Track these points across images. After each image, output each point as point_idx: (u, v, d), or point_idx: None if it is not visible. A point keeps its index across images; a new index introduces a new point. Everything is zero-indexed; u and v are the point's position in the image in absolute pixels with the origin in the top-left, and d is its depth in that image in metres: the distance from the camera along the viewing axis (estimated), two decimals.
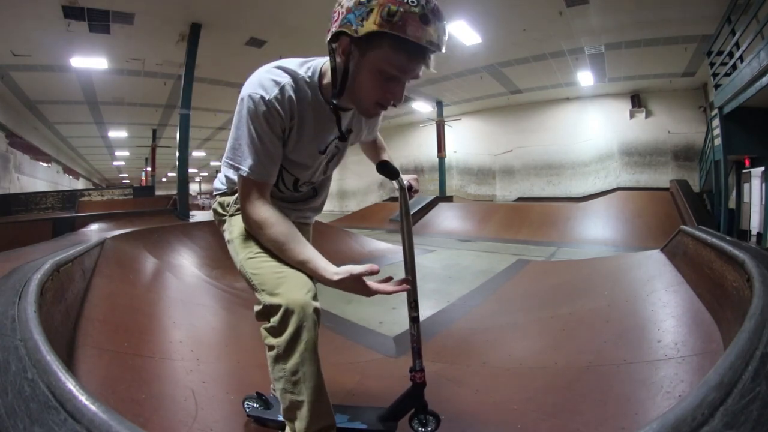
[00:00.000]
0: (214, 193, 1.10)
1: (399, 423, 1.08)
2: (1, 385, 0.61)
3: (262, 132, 0.82)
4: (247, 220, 0.88)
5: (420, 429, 1.06)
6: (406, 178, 1.16)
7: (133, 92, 10.28)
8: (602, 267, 3.29)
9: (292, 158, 0.93)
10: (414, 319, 1.07)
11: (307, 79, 0.86)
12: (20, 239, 4.35)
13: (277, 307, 0.81)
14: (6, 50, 7.35)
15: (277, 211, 0.87)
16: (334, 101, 0.86)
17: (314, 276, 0.86)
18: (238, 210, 0.98)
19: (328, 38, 0.80)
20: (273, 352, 0.83)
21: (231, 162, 0.87)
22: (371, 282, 0.83)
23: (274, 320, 0.82)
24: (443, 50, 0.78)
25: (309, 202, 1.12)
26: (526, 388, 1.44)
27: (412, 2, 0.71)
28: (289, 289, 0.82)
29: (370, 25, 0.71)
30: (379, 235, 8.45)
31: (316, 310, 0.82)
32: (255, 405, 1.16)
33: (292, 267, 0.87)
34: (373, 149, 1.28)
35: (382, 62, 0.76)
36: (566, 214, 8.55)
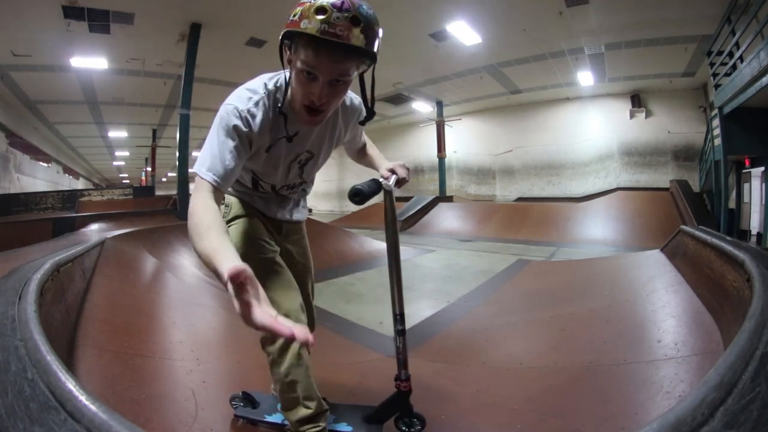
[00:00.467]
0: None
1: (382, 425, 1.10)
2: (1, 385, 0.61)
3: (228, 141, 0.84)
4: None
5: (405, 429, 1.09)
6: (389, 166, 1.11)
7: (133, 92, 10.28)
8: (602, 267, 3.29)
9: (258, 168, 0.99)
10: (399, 332, 1.08)
11: (273, 91, 0.91)
12: (20, 239, 4.35)
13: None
14: (6, 50, 7.35)
15: (211, 204, 0.79)
16: (280, 106, 0.90)
17: (214, 271, 0.67)
18: (230, 221, 1.07)
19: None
20: (269, 358, 0.96)
21: (198, 163, 0.86)
22: (258, 310, 0.55)
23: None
24: (364, 44, 0.75)
25: (296, 201, 1.19)
26: (526, 388, 1.44)
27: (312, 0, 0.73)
28: (284, 299, 0.93)
29: (284, 29, 0.77)
30: (379, 235, 8.44)
31: (302, 320, 0.95)
32: (241, 404, 1.18)
33: (282, 282, 0.97)
34: (366, 158, 1.26)
35: (298, 60, 0.78)
36: (566, 214, 8.55)
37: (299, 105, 0.85)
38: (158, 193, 15.54)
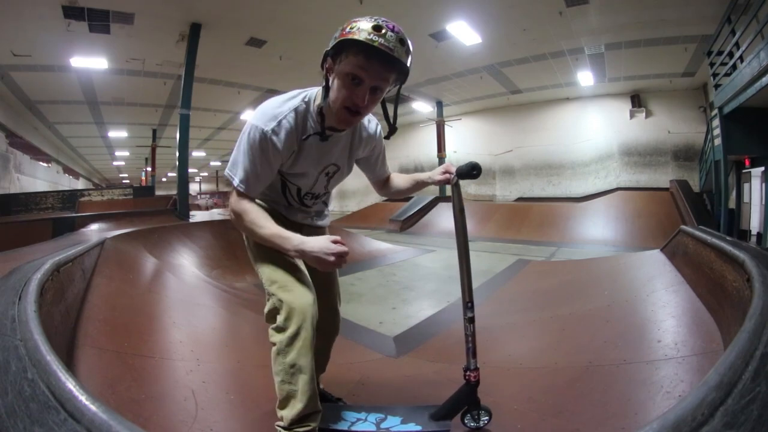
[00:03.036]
0: None
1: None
2: (1, 385, 0.61)
3: (255, 157, 0.98)
4: (232, 212, 1.03)
5: (472, 424, 1.08)
6: (440, 170, 1.20)
7: (133, 92, 10.27)
8: (602, 267, 3.29)
9: (291, 172, 1.08)
10: (470, 320, 1.10)
11: (303, 107, 1.02)
12: (20, 239, 4.35)
13: (285, 307, 0.97)
14: (6, 50, 7.35)
15: (255, 206, 1.02)
16: (321, 112, 0.99)
17: (281, 248, 0.97)
18: None
19: (321, 62, 0.96)
20: (275, 348, 0.98)
21: (229, 173, 1.03)
22: (332, 245, 0.92)
23: (280, 319, 0.98)
24: (405, 61, 0.91)
25: (318, 208, 1.27)
26: (526, 388, 1.44)
27: (368, 18, 0.89)
28: (299, 294, 0.99)
29: (337, 39, 0.90)
30: (379, 235, 8.46)
31: (314, 314, 0.99)
32: None
33: (296, 273, 1.03)
34: (399, 185, 1.35)
35: (347, 65, 0.91)
36: (566, 214, 8.55)
37: (339, 107, 0.95)
38: (158, 193, 15.55)
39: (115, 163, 21.31)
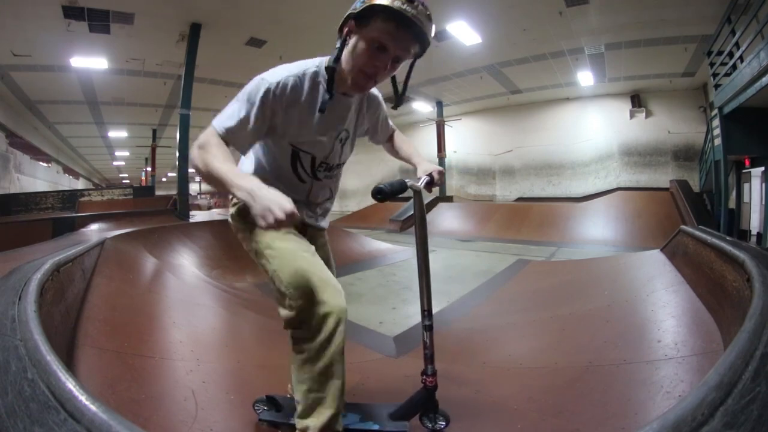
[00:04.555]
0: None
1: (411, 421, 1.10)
2: (1, 385, 0.61)
3: (251, 106, 0.92)
4: (194, 146, 0.91)
5: (429, 425, 1.09)
6: (427, 170, 1.16)
7: (133, 92, 10.28)
8: (602, 267, 3.28)
9: (304, 140, 1.02)
10: (427, 327, 1.10)
11: (315, 69, 0.98)
12: (20, 239, 4.35)
13: (318, 313, 0.88)
14: (6, 50, 7.35)
15: (223, 145, 0.91)
16: (333, 69, 0.95)
17: (231, 184, 0.82)
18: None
19: (340, 24, 0.94)
20: (303, 356, 0.90)
21: (218, 117, 0.94)
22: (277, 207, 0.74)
23: (310, 325, 0.89)
24: (428, 36, 0.92)
25: (320, 197, 1.17)
26: (526, 388, 1.44)
27: None
28: (332, 295, 0.90)
29: (367, 3, 0.89)
30: (378, 235, 8.45)
31: (346, 316, 0.91)
32: (265, 408, 1.16)
33: (320, 273, 0.93)
34: (401, 152, 1.32)
35: (374, 31, 0.89)
36: (566, 214, 8.55)
37: (357, 71, 0.93)
38: (158, 193, 15.54)
39: (115, 163, 21.31)
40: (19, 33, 6.75)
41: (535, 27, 7.45)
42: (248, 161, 1.09)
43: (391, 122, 1.30)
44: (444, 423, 1.10)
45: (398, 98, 1.06)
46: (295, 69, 0.97)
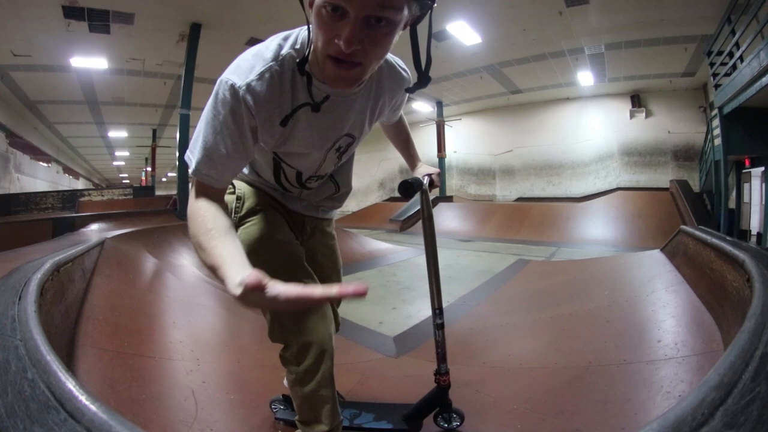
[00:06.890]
0: None
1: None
2: (1, 385, 0.61)
3: (221, 127, 0.68)
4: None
5: (444, 425, 1.09)
6: (425, 173, 1.15)
7: (133, 92, 10.27)
8: (602, 267, 3.28)
9: (287, 151, 0.80)
10: (438, 326, 1.09)
11: (290, 54, 0.70)
12: (20, 239, 4.34)
13: (300, 341, 0.82)
14: (6, 50, 7.35)
15: (212, 206, 0.68)
16: (304, 61, 0.70)
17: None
18: (242, 219, 0.92)
19: None
20: (291, 376, 0.87)
21: (188, 155, 0.71)
22: (286, 288, 0.52)
23: (293, 351, 0.84)
24: None
25: (319, 197, 1.01)
26: (526, 388, 1.44)
27: None
28: (315, 324, 0.83)
29: None
30: (379, 235, 8.45)
31: (333, 348, 0.86)
32: (281, 407, 1.17)
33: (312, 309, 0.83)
34: (400, 142, 1.21)
35: None
36: (566, 214, 8.55)
37: (322, 56, 0.63)
38: (158, 193, 15.53)
39: (115, 163, 21.31)
40: (19, 33, 6.75)
41: (535, 27, 7.45)
42: None
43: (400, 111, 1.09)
44: (459, 421, 1.10)
45: (421, 75, 0.72)
46: (269, 55, 0.69)
